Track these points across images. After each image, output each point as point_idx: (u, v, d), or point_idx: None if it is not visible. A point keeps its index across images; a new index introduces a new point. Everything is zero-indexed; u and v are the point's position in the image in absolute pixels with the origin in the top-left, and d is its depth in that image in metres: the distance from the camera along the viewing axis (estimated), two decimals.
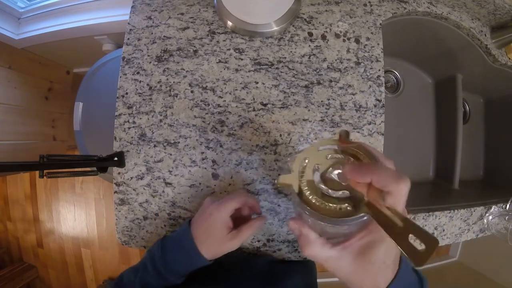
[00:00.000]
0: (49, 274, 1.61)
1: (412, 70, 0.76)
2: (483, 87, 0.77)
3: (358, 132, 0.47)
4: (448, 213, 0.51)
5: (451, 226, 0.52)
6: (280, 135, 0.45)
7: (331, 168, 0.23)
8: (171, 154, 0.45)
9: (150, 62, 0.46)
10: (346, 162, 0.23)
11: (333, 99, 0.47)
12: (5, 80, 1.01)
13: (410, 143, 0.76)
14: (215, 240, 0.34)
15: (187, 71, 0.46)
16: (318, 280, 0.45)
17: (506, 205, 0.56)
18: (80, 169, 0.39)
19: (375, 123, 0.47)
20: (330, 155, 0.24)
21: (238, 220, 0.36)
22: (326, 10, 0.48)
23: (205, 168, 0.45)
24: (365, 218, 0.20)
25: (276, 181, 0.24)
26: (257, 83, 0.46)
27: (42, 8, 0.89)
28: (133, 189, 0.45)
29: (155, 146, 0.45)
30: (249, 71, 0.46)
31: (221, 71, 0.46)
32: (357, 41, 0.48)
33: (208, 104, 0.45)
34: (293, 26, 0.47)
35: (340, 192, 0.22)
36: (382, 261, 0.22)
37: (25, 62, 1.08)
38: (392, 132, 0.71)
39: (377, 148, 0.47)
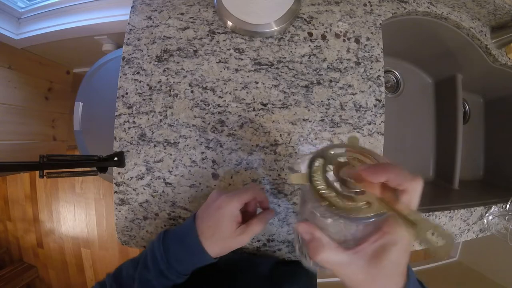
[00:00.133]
0: (49, 274, 1.61)
1: (412, 70, 0.76)
2: (483, 87, 0.77)
3: (358, 132, 0.47)
4: (448, 213, 0.51)
5: (451, 226, 0.52)
6: (280, 135, 0.45)
7: (344, 169, 0.23)
8: (171, 154, 0.45)
9: (150, 62, 0.46)
10: (358, 164, 0.23)
11: (333, 99, 0.47)
12: (5, 80, 1.02)
13: (410, 143, 0.76)
14: (222, 235, 0.32)
15: (187, 71, 0.46)
16: (318, 281, 0.45)
17: (506, 205, 0.56)
18: (80, 169, 0.39)
19: (375, 123, 0.47)
20: (341, 158, 0.24)
21: (243, 215, 0.34)
22: (326, 10, 0.48)
23: (205, 168, 0.45)
24: (383, 216, 0.20)
25: (289, 179, 0.24)
26: (257, 83, 0.46)
27: (42, 8, 0.89)
28: (133, 189, 0.45)
29: (155, 146, 0.45)
30: (249, 71, 0.46)
31: (221, 71, 0.46)
32: (357, 41, 0.48)
33: (208, 104, 0.45)
34: (293, 26, 0.47)
35: (354, 192, 0.22)
36: (396, 265, 0.22)
37: (25, 62, 1.08)
38: (392, 132, 0.71)
39: (377, 148, 0.47)
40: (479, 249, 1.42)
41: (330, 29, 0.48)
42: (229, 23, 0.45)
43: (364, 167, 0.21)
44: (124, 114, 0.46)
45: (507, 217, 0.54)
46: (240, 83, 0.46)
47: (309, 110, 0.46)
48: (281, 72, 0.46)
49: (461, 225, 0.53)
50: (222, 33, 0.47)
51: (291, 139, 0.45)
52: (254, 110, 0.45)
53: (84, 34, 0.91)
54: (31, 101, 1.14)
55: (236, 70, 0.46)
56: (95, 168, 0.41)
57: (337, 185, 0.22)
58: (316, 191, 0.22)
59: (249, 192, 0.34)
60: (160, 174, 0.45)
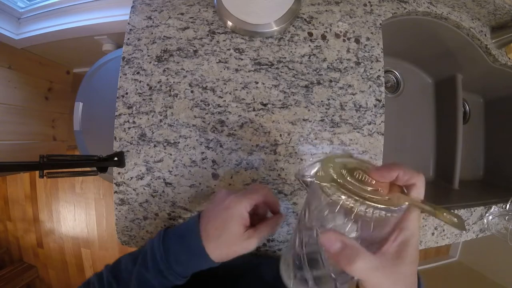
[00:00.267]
0: (49, 274, 1.61)
1: (412, 70, 0.76)
2: (483, 87, 0.77)
3: (358, 132, 0.47)
4: None
5: (451, 226, 0.52)
6: (280, 135, 0.45)
7: (358, 171, 0.24)
8: (171, 154, 0.45)
9: (150, 62, 0.46)
10: (366, 167, 0.24)
11: (333, 99, 0.47)
12: (5, 80, 1.02)
13: (410, 143, 0.76)
14: (228, 238, 0.30)
15: (187, 71, 0.46)
16: None
17: (506, 205, 0.56)
18: (80, 169, 0.39)
19: (375, 123, 0.47)
20: (348, 164, 0.25)
21: (251, 219, 0.32)
22: (326, 10, 0.48)
23: (205, 168, 0.45)
24: (404, 206, 0.22)
25: (315, 179, 0.24)
26: (257, 83, 0.46)
27: (42, 8, 0.89)
28: (133, 189, 0.45)
29: (155, 146, 0.45)
30: (249, 71, 0.46)
31: (221, 71, 0.46)
32: (357, 41, 0.48)
33: (208, 104, 0.45)
34: (293, 26, 0.47)
35: (369, 189, 0.23)
36: (415, 262, 0.22)
37: (25, 62, 1.08)
38: (392, 132, 0.71)
39: (377, 148, 0.47)
40: (479, 249, 1.42)
41: (330, 29, 0.48)
42: (229, 23, 0.46)
43: (376, 167, 0.23)
44: (124, 114, 0.46)
45: (507, 217, 0.54)
46: (240, 83, 0.46)
47: (309, 110, 0.46)
48: (281, 72, 0.46)
49: None
50: (222, 33, 0.47)
51: (291, 139, 0.46)
52: (254, 110, 0.45)
53: (84, 34, 0.91)
54: (31, 101, 1.14)
55: (236, 70, 0.46)
56: (95, 168, 0.41)
57: (357, 184, 0.23)
58: (347, 189, 0.22)
59: (260, 193, 0.32)
60: (160, 174, 0.45)
